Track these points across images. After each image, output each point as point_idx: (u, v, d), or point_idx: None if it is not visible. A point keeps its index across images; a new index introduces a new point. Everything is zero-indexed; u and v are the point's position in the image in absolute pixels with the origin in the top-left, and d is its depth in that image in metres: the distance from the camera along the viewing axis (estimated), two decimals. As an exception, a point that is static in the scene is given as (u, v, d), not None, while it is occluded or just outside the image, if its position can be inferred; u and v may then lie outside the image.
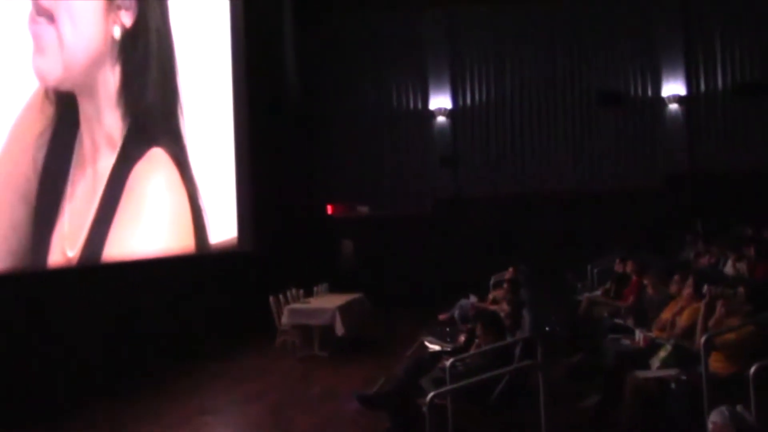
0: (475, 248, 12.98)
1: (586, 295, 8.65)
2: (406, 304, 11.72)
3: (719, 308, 4.79)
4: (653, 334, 5.72)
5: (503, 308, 6.36)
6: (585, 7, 13.92)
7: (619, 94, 13.70)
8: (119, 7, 7.32)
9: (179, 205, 8.85)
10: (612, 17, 13.86)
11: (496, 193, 13.83)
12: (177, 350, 8.59)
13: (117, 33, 7.28)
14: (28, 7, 6.33)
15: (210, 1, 10.15)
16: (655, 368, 4.94)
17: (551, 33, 14.08)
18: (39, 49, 6.36)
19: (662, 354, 5.03)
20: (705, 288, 5.03)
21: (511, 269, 8.88)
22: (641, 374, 4.77)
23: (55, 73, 6.59)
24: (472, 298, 8.82)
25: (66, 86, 6.77)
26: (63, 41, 6.58)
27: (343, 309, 8.86)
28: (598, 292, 8.54)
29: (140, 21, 7.67)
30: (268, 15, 12.43)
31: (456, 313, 8.52)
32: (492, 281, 9.48)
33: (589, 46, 13.89)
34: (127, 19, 7.38)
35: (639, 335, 5.74)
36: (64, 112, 6.82)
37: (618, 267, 8.73)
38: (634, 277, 7.78)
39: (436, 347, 6.65)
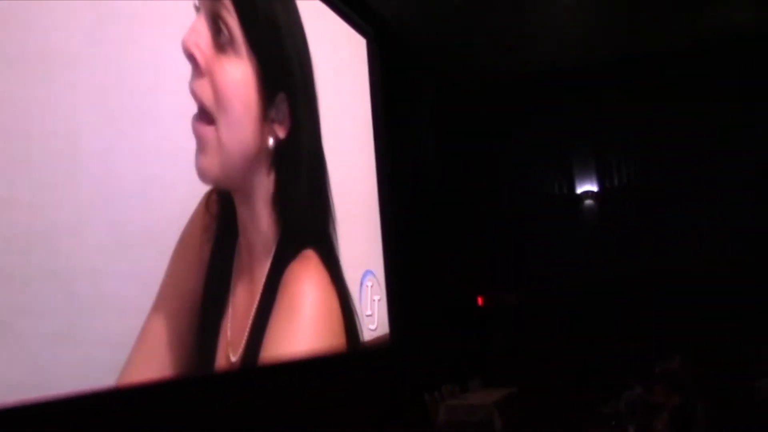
0: (633, 333, 12.34)
1: (766, 380, 8.05)
2: (564, 396, 11.24)
3: None
4: None
5: (673, 401, 6.00)
6: (734, 80, 13.38)
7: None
8: (273, 121, 7.80)
9: (330, 305, 9.03)
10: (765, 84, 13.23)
11: (652, 274, 13.19)
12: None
13: (270, 143, 7.72)
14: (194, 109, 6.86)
15: (355, 112, 10.62)
16: None
17: (700, 109, 13.53)
18: (201, 147, 6.85)
19: None
20: None
21: (677, 357, 8.39)
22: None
23: (214, 172, 7.01)
24: (638, 389, 8.36)
25: (224, 186, 7.17)
26: (221, 142, 7.03)
27: (501, 404, 8.67)
28: (779, 378, 7.91)
29: (293, 134, 8.10)
30: (408, 105, 12.78)
31: (622, 405, 8.10)
32: (657, 370, 8.96)
33: (743, 116, 13.20)
34: (280, 132, 7.85)
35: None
36: (224, 220, 7.23)
37: (799, 349, 8.07)
38: (819, 361, 7.16)
39: (604, 444, 6.35)
